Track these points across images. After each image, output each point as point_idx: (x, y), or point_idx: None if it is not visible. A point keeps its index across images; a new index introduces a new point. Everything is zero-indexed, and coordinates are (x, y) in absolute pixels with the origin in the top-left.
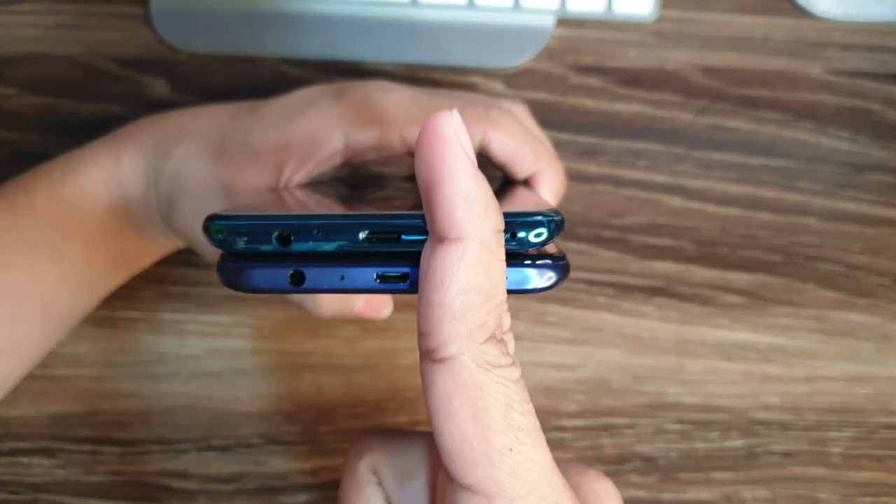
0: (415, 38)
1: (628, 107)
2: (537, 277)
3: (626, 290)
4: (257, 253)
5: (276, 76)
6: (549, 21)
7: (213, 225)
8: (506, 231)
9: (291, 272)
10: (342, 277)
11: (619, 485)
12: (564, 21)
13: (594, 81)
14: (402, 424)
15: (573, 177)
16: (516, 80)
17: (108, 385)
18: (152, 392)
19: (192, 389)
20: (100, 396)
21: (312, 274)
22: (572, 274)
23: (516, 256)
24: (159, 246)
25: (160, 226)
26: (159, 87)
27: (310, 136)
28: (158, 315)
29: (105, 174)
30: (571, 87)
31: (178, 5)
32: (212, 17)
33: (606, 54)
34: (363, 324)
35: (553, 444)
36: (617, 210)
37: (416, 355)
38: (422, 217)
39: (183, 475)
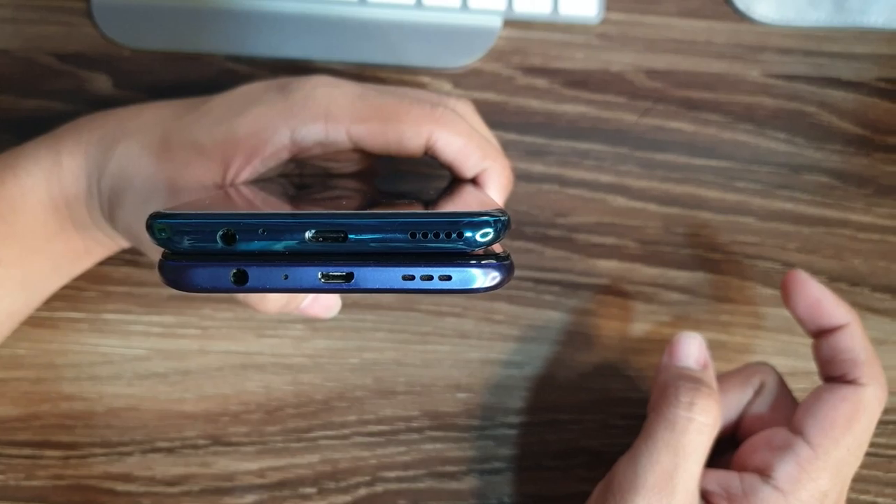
0: (363, 37)
1: (574, 108)
2: (482, 277)
3: (572, 287)
4: (201, 252)
5: (223, 73)
6: (496, 22)
7: (157, 223)
8: (453, 230)
9: (234, 272)
10: (286, 277)
11: (566, 479)
12: (511, 22)
13: (540, 82)
14: (351, 423)
15: (520, 176)
16: (464, 80)
17: (49, 387)
18: (95, 394)
19: (136, 391)
20: (40, 399)
21: (256, 273)
22: (519, 272)
23: (462, 256)
24: (102, 246)
25: (103, 225)
26: (102, 83)
27: (256, 132)
28: (101, 316)
29: (45, 173)
30: (518, 87)
31: (121, 0)
32: (155, 12)
33: (553, 56)
34: (311, 323)
35: (499, 440)
36: (563, 209)
37: (364, 354)
38: (369, 217)
39: (127, 478)
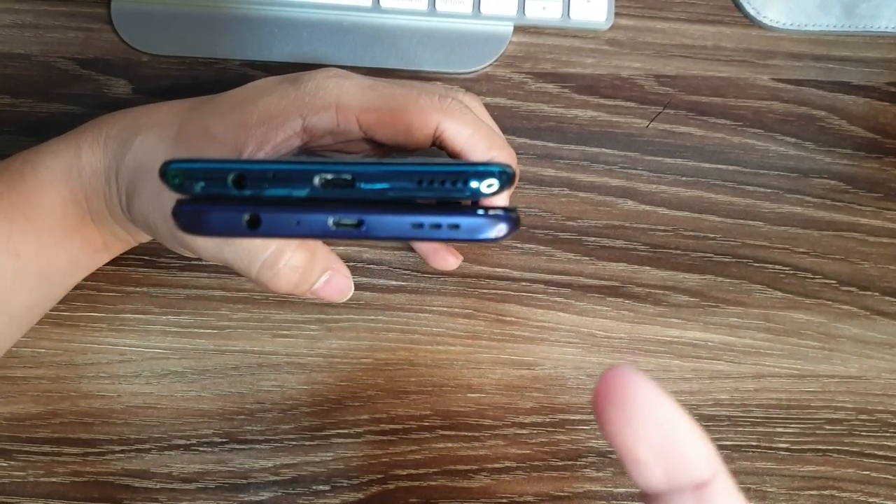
0: (376, 43)
1: (584, 112)
2: (489, 227)
3: (582, 290)
4: (214, 197)
5: (238, 78)
6: (507, 28)
7: (170, 169)
8: (459, 180)
9: (248, 216)
10: (298, 223)
11: (574, 479)
12: (523, 28)
13: (551, 87)
14: (364, 422)
15: (530, 180)
16: (475, 86)
17: (69, 385)
18: (114, 392)
19: (154, 389)
20: (60, 397)
21: (268, 218)
22: (530, 275)
23: (471, 206)
24: (120, 241)
25: (121, 219)
26: (121, 87)
27: (268, 119)
28: (120, 316)
29: (65, 167)
30: (529, 92)
31: (140, 7)
32: (173, 19)
33: (563, 61)
34: (325, 323)
35: (510, 440)
36: (573, 213)
37: (377, 354)
38: (378, 164)
39: (144, 475)
